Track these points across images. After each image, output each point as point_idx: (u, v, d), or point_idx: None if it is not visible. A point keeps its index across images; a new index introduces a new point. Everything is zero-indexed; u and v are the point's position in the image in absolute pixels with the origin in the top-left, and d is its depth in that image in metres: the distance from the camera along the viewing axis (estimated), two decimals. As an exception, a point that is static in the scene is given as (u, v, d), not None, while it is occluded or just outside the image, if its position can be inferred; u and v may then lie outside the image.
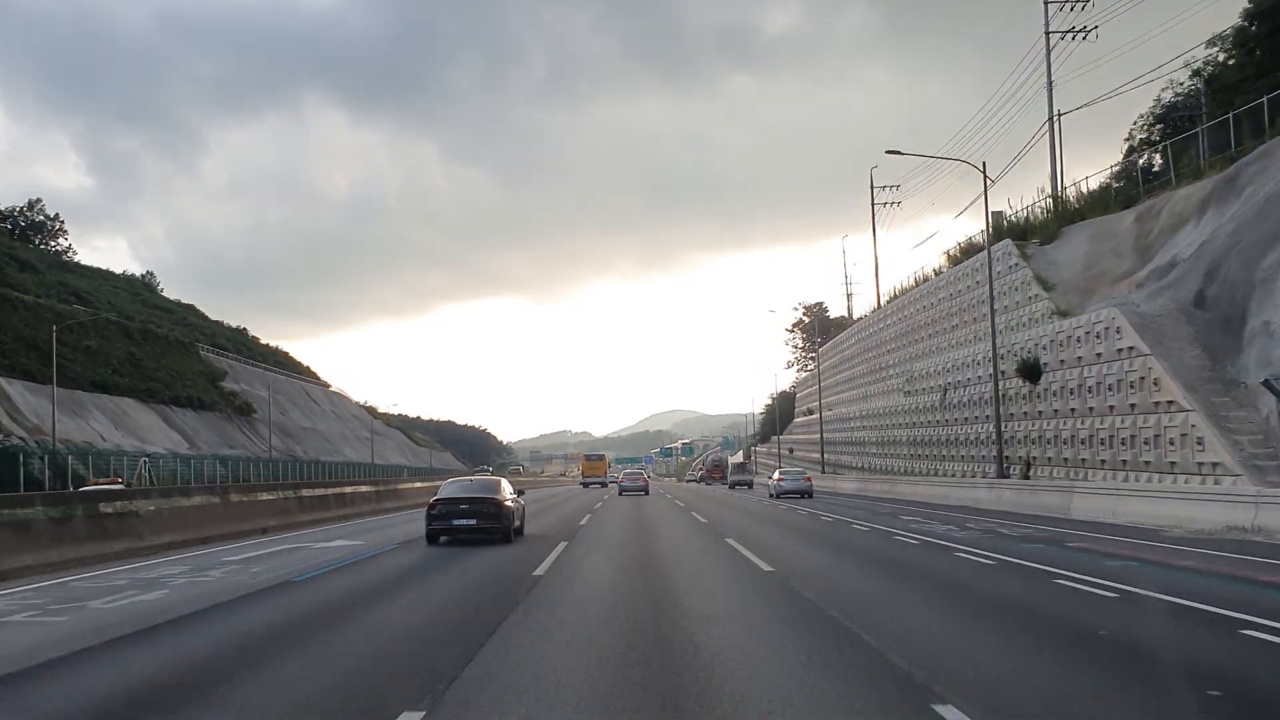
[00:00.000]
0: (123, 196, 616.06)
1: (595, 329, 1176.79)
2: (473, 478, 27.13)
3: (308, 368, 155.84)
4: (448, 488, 21.87)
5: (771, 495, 43.78)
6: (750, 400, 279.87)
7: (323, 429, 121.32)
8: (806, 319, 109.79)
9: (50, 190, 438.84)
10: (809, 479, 44.50)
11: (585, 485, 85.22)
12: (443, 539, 20.18)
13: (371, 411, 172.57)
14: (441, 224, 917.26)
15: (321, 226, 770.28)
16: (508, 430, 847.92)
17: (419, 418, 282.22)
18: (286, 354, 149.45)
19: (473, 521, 19.92)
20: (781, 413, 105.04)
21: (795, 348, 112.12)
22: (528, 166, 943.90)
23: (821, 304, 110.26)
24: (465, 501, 20.22)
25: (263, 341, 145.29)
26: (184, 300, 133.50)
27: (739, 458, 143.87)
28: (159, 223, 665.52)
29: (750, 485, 70.43)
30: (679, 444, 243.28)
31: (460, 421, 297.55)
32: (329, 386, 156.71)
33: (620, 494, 55.32)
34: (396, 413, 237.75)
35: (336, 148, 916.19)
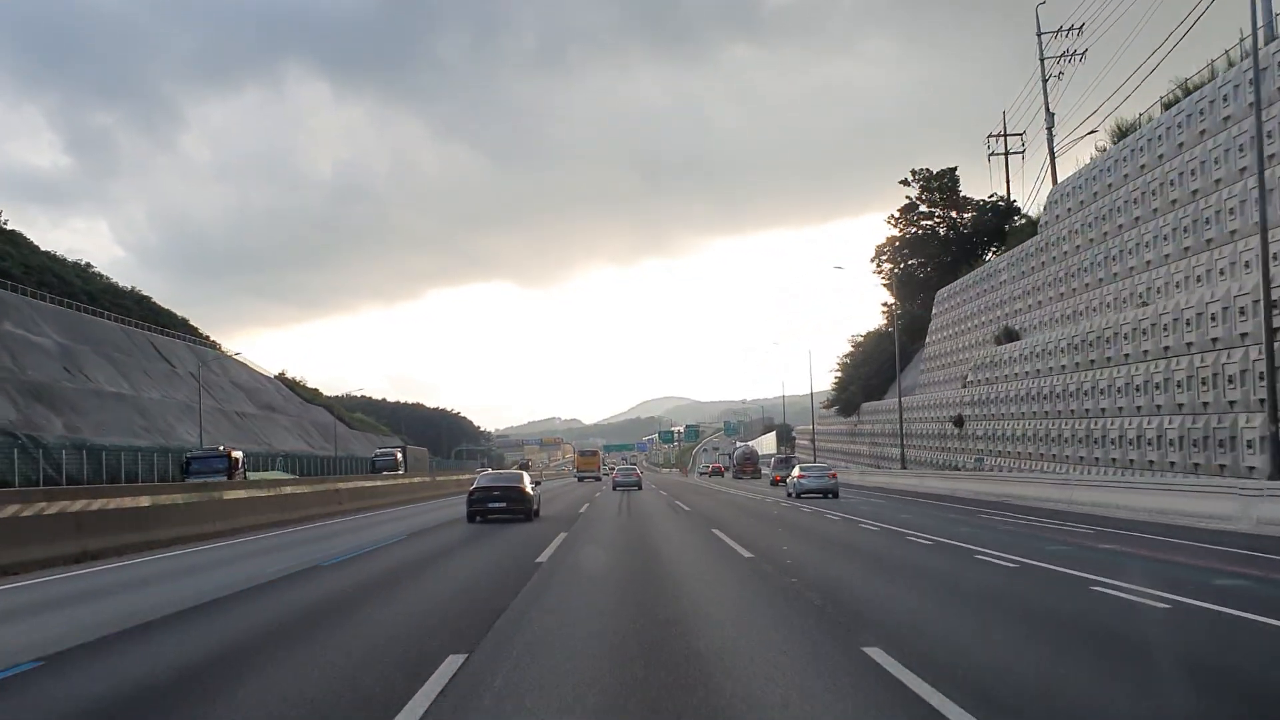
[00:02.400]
0: (101, 176, 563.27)
1: (586, 314, 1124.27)
2: (501, 471, 33.60)
3: (185, 320, 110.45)
4: (482, 479, 26.72)
5: (790, 495, 37.95)
6: (786, 377, 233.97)
7: (154, 398, 75.79)
8: (924, 197, 64.54)
9: (26, 168, 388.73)
10: (834, 475, 38.51)
11: (580, 479, 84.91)
12: (478, 518, 24.32)
13: (293, 385, 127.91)
14: (429, 204, 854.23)
15: (306, 207, 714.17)
16: (496, 418, 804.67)
17: (383, 400, 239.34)
18: (148, 298, 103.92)
19: (503, 504, 24.59)
20: (888, 361, 59.96)
21: (896, 260, 66.95)
22: (518, 144, 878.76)
23: (953, 170, 65.08)
24: (497, 490, 25.09)
25: (113, 280, 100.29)
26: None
27: (758, 447, 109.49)
28: (140, 204, 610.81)
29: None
30: (681, 428, 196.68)
31: (430, 405, 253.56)
32: (219, 348, 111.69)
33: (614, 489, 52.05)
34: (360, 394, 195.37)
35: (320, 124, 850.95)
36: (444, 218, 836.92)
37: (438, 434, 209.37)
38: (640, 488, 52.38)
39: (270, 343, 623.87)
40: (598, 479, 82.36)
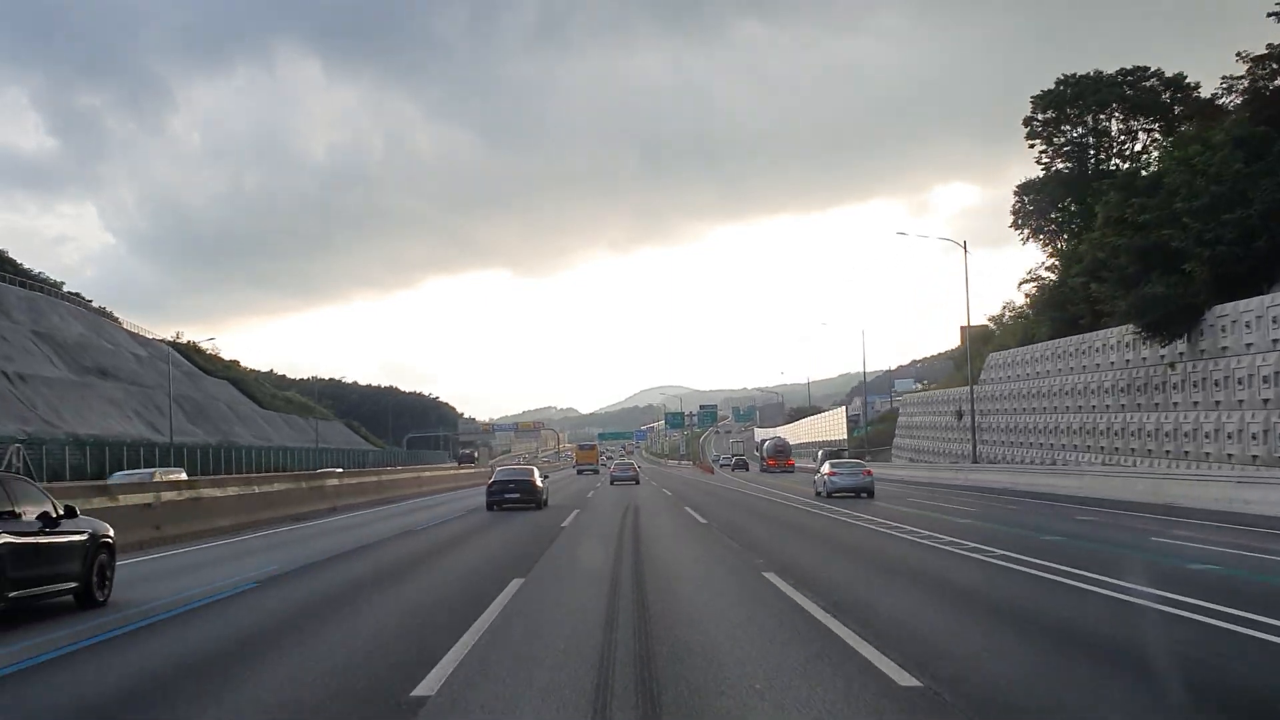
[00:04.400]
0: (88, 159, 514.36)
1: (583, 303, 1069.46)
2: (516, 466, 36.37)
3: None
4: (500, 474, 29.39)
5: (818, 494, 32.79)
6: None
7: None
8: None
9: (11, 150, 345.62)
10: (869, 472, 33.25)
11: (580, 472, 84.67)
12: (495, 507, 26.46)
13: (190, 353, 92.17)
14: (425, 188, 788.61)
15: (300, 190, 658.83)
16: (491, 406, 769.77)
17: (355, 384, 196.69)
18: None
19: (517, 495, 26.99)
20: None
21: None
22: (518, 127, 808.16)
23: None
24: (512, 483, 27.60)
25: None
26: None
27: (784, 438, 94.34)
28: (129, 188, 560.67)
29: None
30: (694, 410, 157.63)
31: (423, 392, 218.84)
32: (57, 291, 76.01)
33: (612, 483, 50.73)
34: (329, 378, 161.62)
35: (314, 105, 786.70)
36: (441, 203, 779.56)
37: (413, 419, 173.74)
38: (637, 482, 52.35)
39: (266, 332, 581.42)
40: (596, 471, 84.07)
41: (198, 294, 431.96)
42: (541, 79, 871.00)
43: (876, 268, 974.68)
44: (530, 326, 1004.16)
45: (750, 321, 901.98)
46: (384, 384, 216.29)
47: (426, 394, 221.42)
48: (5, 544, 8.57)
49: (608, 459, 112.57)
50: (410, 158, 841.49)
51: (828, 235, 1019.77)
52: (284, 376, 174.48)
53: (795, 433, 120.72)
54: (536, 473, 29.56)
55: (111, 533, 10.47)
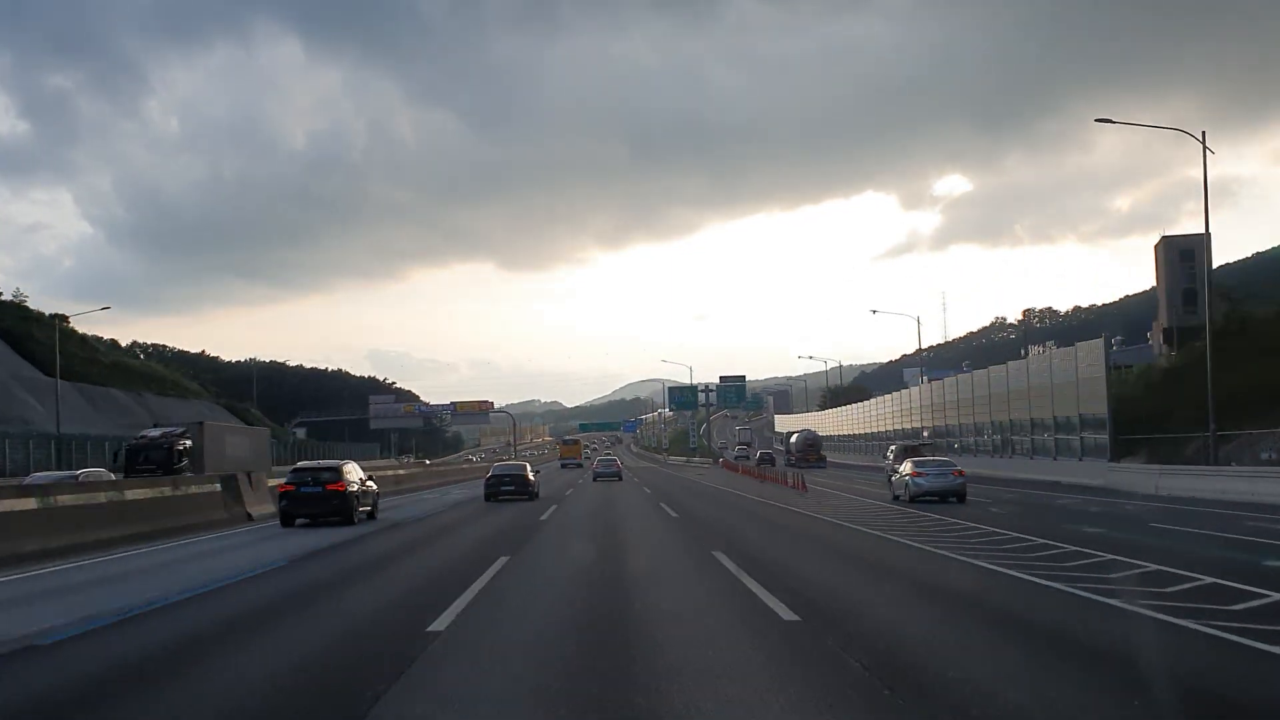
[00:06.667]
0: (61, 143, 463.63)
1: (568, 297, 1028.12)
2: (511, 462, 42.76)
3: None
4: (496, 469, 35.72)
5: (896, 497, 29.23)
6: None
7: None
8: None
9: None
10: (960, 472, 28.64)
11: (564, 466, 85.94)
12: (492, 499, 32.46)
13: None
14: (411, 178, 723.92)
15: (279, 176, 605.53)
16: (474, 399, 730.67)
17: (299, 366, 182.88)
18: None
19: (512, 488, 33.01)
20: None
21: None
22: (507, 115, 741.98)
23: None
24: (507, 477, 33.79)
25: None
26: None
27: (814, 430, 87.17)
28: (105, 174, 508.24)
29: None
30: (712, 385, 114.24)
31: (356, 373, 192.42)
32: None
33: (595, 480, 51.96)
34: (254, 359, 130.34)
35: (294, 87, 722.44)
36: (425, 192, 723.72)
37: (345, 407, 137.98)
38: (620, 478, 53.37)
39: (252, 322, 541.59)
40: (579, 465, 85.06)
41: (179, 284, 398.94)
42: (533, 64, 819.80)
43: (873, 260, 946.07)
44: (515, 320, 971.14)
45: (742, 315, 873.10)
46: (340, 371, 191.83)
47: (382, 379, 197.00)
48: (359, 489, 22.99)
49: (590, 452, 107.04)
50: (393, 144, 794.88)
51: (823, 229, 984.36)
52: (203, 354, 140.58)
53: (828, 421, 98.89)
54: (529, 468, 36.02)
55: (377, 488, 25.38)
